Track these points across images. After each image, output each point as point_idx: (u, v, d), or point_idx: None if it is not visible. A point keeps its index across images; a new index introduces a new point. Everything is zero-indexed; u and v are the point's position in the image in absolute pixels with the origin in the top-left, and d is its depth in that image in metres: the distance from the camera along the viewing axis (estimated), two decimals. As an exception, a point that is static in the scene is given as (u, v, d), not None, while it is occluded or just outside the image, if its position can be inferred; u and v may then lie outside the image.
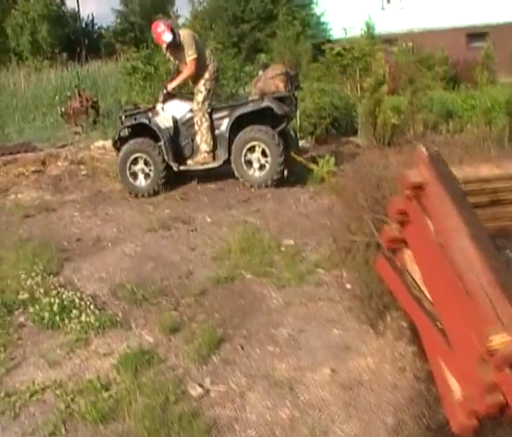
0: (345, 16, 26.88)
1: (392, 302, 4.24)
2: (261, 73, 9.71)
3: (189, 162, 9.52)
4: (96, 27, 49.21)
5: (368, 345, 4.54)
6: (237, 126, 9.15)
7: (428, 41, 23.44)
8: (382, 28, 25.27)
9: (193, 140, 9.50)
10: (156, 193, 9.28)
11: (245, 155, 9.06)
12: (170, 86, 9.65)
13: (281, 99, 9.05)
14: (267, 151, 8.94)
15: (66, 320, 5.14)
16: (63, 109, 20.22)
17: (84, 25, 44.78)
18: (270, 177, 9.00)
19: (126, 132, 9.63)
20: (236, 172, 9.25)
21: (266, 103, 8.96)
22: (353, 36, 22.37)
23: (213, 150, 9.36)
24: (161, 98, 9.60)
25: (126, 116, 9.72)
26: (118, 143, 9.70)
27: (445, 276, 3.01)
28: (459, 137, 11.45)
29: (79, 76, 23.69)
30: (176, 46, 9.50)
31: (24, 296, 5.59)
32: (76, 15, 44.76)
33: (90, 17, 48.24)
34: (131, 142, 9.45)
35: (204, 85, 9.47)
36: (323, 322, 4.97)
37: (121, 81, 24.54)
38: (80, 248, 7.19)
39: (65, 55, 32.15)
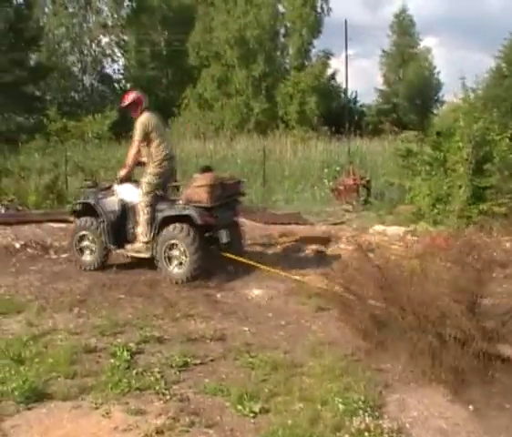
0: None
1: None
2: (196, 176, 9.92)
3: (128, 247, 9.66)
4: (357, 105, 49.37)
5: None
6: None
7: None
8: None
9: (135, 227, 9.63)
10: (98, 268, 9.61)
11: (165, 251, 9.20)
12: (121, 173, 9.76)
13: (206, 208, 9.20)
14: (186, 250, 9.08)
15: None
16: (333, 184, 19.57)
17: (347, 101, 44.96)
18: (186, 274, 9.07)
19: (79, 207, 10.14)
20: (158, 266, 9.33)
21: (187, 211, 9.23)
22: None
23: (150, 241, 9.39)
24: (119, 179, 9.75)
25: (83, 191, 10.38)
26: (74, 216, 10.39)
27: None
28: None
29: (350, 152, 23.02)
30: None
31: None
32: (339, 91, 45.39)
33: (354, 94, 48.48)
34: (81, 219, 9.92)
35: (149, 177, 9.47)
36: None
37: (389, 161, 23.54)
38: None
39: (326, 128, 32.03)
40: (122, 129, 29.13)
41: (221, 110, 38.76)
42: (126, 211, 9.77)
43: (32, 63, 36.75)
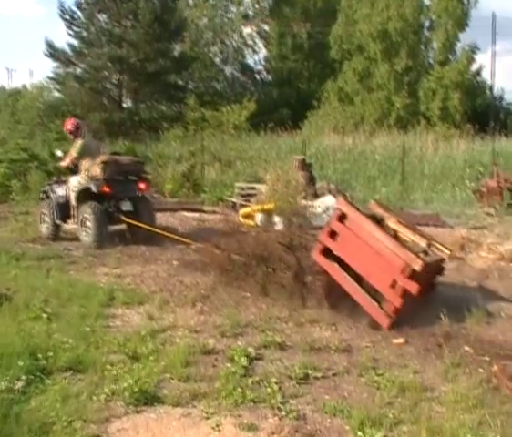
0: None
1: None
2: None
3: (69, 222, 12.30)
4: (504, 103, 46.85)
5: None
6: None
7: None
8: None
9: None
10: (50, 238, 12.41)
11: (81, 224, 11.80)
12: (63, 163, 12.79)
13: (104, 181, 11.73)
14: (91, 221, 11.60)
15: None
16: (475, 186, 18.80)
17: (493, 98, 42.85)
18: (92, 241, 11.55)
19: (42, 194, 13.36)
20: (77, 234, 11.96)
21: (87, 184, 11.90)
22: None
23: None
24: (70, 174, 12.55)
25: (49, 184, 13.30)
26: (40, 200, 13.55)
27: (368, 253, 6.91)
28: None
29: (494, 153, 21.97)
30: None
31: None
32: (484, 88, 43.31)
33: (500, 92, 46.10)
34: (42, 203, 13.10)
35: (79, 178, 12.15)
36: None
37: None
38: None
39: (470, 126, 30.70)
40: (260, 120, 29.58)
41: (362, 104, 38.15)
42: (69, 196, 12.29)
43: (176, 53, 37.84)
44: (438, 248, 7.49)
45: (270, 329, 6.76)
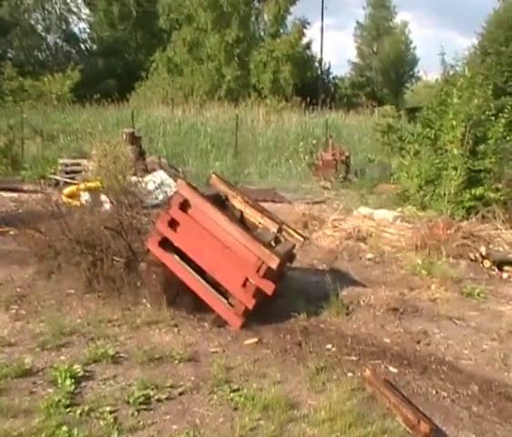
0: None
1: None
2: None
3: None
4: (330, 77, 48.15)
5: None
6: None
7: None
8: None
9: None
10: None
11: None
12: None
13: None
14: None
15: None
16: (310, 159, 18.57)
17: (322, 72, 43.80)
18: None
19: None
20: None
21: None
22: None
23: None
24: None
25: None
26: None
27: (214, 247, 5.85)
28: None
29: (327, 126, 21.95)
30: None
31: None
32: (314, 61, 44.11)
33: (327, 65, 47.24)
34: None
35: None
36: None
37: (367, 137, 22.60)
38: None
39: (300, 99, 30.86)
40: (86, 91, 27.68)
41: (191, 76, 37.22)
42: None
43: (-8, 19, 34.70)
44: (290, 234, 6.58)
45: (100, 336, 5.53)
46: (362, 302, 6.71)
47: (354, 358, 5.24)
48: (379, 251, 8.88)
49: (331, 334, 5.77)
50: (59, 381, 4.52)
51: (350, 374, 4.90)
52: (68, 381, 4.51)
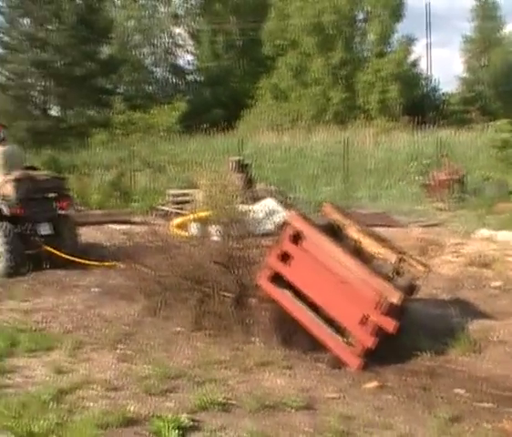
0: None
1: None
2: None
3: None
4: (439, 93, 46.66)
5: None
6: None
7: None
8: None
9: None
10: None
11: None
12: None
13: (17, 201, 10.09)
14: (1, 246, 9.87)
15: None
16: (424, 179, 17.87)
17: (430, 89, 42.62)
18: (3, 268, 9.80)
19: None
20: None
21: None
22: None
23: None
24: None
25: None
26: None
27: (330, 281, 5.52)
28: None
29: (440, 144, 21.10)
30: None
31: None
32: (421, 79, 42.94)
33: (435, 82, 45.81)
34: None
35: None
36: None
37: (482, 153, 21.55)
38: None
39: (408, 118, 29.99)
40: (193, 121, 28.08)
41: (298, 101, 37.05)
42: None
43: (103, 56, 36.02)
44: (411, 264, 6.09)
45: (208, 379, 5.27)
46: (492, 337, 6.12)
47: (490, 405, 4.71)
48: (506, 278, 8.21)
49: (460, 376, 5.27)
50: (163, 433, 4.24)
51: (486, 425, 4.38)
52: (173, 433, 4.22)
